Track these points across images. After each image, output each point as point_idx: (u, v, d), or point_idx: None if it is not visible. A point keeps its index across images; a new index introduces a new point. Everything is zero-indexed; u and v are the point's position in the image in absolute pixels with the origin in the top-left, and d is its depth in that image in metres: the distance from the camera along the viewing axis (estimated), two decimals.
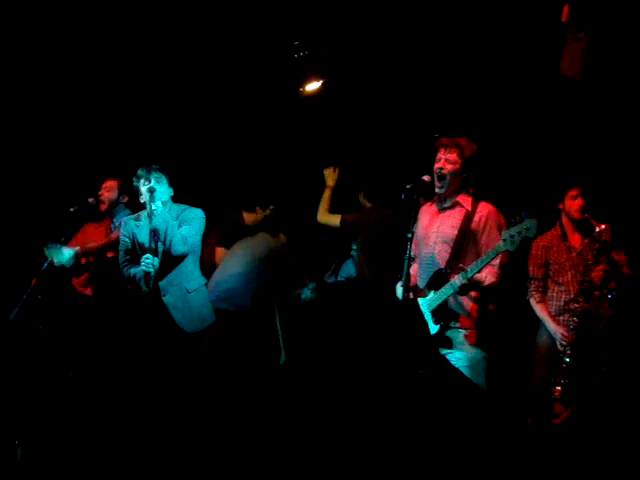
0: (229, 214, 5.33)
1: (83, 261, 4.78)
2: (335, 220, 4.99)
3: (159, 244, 3.98)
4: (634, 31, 4.43)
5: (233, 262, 4.88)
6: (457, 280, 3.34)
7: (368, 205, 5.08)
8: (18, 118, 5.58)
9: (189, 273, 4.15)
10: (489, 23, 4.81)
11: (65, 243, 4.67)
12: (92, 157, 5.69)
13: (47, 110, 5.68)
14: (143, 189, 4.02)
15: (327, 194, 5.09)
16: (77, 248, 4.66)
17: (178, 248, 4.00)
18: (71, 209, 4.64)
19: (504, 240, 3.20)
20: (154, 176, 4.04)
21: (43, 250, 4.49)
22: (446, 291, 3.40)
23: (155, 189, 3.96)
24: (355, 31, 5.19)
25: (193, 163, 5.75)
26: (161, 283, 4.03)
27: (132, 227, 4.16)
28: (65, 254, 4.55)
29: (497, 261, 3.42)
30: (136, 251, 4.12)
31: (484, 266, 3.29)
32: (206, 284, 4.31)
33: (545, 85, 4.71)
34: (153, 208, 3.94)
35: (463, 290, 3.36)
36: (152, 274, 3.91)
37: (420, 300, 3.53)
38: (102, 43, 5.36)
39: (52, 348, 4.50)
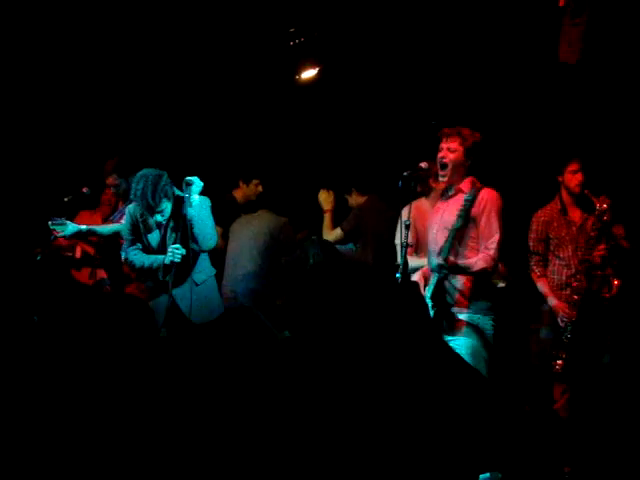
0: (225, 195, 5.28)
1: (87, 249, 4.76)
2: (337, 232, 4.92)
3: (173, 236, 3.86)
4: (630, 14, 4.43)
5: (242, 252, 4.79)
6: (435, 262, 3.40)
7: (361, 200, 5.03)
8: (9, 111, 5.53)
9: (197, 265, 3.99)
10: (486, 7, 4.79)
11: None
12: (83, 145, 5.63)
13: (35, 102, 5.61)
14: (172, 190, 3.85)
15: (328, 218, 5.01)
16: (84, 227, 4.56)
17: (211, 243, 3.89)
18: (65, 199, 4.60)
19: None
20: (158, 213, 3.81)
21: (48, 225, 4.40)
22: (434, 276, 3.46)
23: (193, 182, 3.81)
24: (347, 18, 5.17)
25: (180, 147, 5.71)
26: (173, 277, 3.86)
27: (139, 218, 3.96)
28: (70, 227, 4.45)
29: (493, 245, 3.44)
30: (143, 242, 3.96)
31: (451, 243, 3.37)
32: (215, 274, 4.17)
33: (544, 66, 4.69)
34: (192, 200, 3.80)
35: (439, 270, 3.40)
36: (175, 264, 3.77)
37: (427, 289, 3.56)
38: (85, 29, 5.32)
39: (49, 340, 4.46)
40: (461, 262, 3.42)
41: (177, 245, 3.78)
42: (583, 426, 4.01)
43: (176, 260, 3.76)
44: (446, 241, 3.38)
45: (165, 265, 3.81)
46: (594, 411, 4.03)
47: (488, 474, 3.35)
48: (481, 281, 3.53)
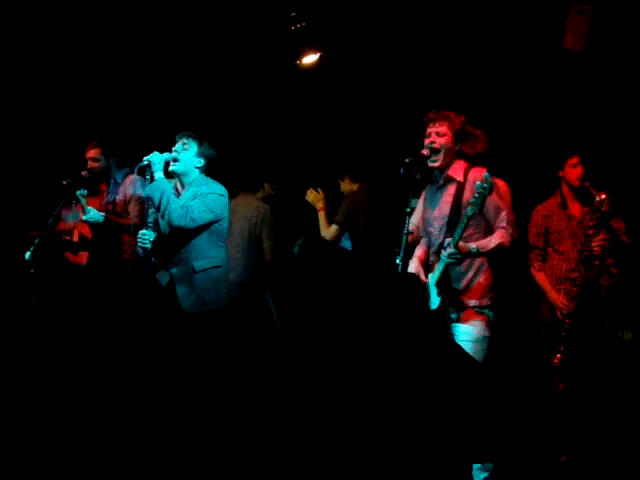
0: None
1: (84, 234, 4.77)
2: (334, 228, 4.81)
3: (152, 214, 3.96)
4: (637, 2, 4.36)
5: (231, 242, 4.77)
6: (444, 251, 3.34)
7: (354, 187, 4.94)
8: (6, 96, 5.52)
9: (199, 251, 3.93)
10: None
11: (58, 217, 4.64)
12: (83, 130, 5.61)
13: (35, 89, 5.63)
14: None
15: (322, 217, 4.90)
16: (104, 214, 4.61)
17: (174, 220, 3.81)
18: (64, 182, 4.58)
19: (470, 204, 3.16)
20: (182, 142, 3.95)
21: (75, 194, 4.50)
22: (440, 263, 3.41)
23: (149, 162, 3.86)
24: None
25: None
26: (169, 256, 3.96)
27: None
28: (94, 214, 4.54)
29: (503, 223, 3.38)
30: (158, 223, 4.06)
31: (462, 232, 3.25)
32: (218, 267, 4.03)
33: (547, 56, 4.64)
34: (154, 176, 3.86)
35: (453, 257, 3.31)
36: (147, 249, 3.88)
37: (430, 276, 3.54)
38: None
39: (46, 323, 4.48)
40: (473, 244, 3.34)
41: (144, 231, 3.92)
42: (580, 416, 4.00)
43: (144, 246, 3.90)
44: (458, 227, 3.27)
45: (142, 250, 3.96)
46: (591, 401, 4.02)
47: (480, 464, 3.35)
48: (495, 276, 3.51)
